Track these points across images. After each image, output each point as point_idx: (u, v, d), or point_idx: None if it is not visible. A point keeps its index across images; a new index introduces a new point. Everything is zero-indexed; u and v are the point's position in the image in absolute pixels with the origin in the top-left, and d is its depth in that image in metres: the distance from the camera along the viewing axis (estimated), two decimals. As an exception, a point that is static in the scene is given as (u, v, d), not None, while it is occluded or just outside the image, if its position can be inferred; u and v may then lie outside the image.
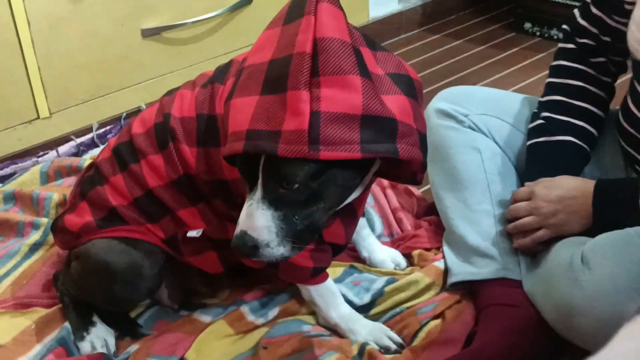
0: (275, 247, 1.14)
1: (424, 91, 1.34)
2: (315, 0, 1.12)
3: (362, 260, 1.69)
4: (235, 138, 1.14)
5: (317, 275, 1.44)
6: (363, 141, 1.09)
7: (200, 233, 1.43)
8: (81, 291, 1.53)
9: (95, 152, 2.30)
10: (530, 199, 1.44)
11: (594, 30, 1.53)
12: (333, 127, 1.07)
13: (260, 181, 1.13)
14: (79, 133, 2.36)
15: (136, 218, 1.45)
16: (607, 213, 1.35)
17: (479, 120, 1.61)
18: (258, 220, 1.13)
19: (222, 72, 1.40)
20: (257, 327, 1.52)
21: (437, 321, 1.47)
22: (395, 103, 1.15)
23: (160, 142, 1.41)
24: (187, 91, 1.44)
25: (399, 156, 1.13)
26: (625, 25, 1.37)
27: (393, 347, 1.43)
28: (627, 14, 1.37)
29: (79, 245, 1.49)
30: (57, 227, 1.54)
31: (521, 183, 1.56)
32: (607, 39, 1.52)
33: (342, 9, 1.16)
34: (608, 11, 1.49)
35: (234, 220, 1.38)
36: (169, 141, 1.40)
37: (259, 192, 1.14)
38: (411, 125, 1.16)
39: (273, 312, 1.55)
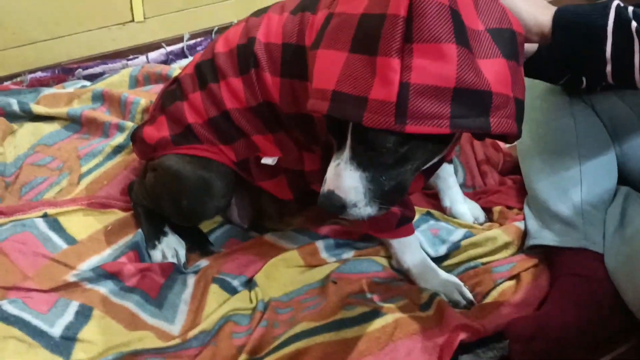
0: (362, 207, 1.12)
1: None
2: None
3: (441, 209, 1.66)
4: (320, 96, 1.10)
5: (403, 224, 1.42)
6: (453, 116, 1.03)
7: (275, 161, 1.42)
8: (152, 202, 1.56)
9: (184, 62, 2.30)
10: None
11: None
12: (422, 101, 1.02)
13: (348, 143, 1.10)
14: (170, 41, 2.36)
15: (210, 138, 1.44)
16: (568, 41, 1.18)
17: None
18: (346, 180, 1.11)
19: (314, 0, 1.34)
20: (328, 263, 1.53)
21: (512, 282, 1.44)
22: (492, 69, 1.07)
23: (242, 65, 1.39)
24: (275, 15, 1.39)
25: (490, 132, 1.07)
26: None
27: (463, 302, 1.41)
28: None
29: (155, 158, 1.50)
30: (136, 137, 1.56)
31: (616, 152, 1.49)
32: None
33: None
34: None
35: (312, 151, 1.37)
36: (251, 67, 1.37)
37: (347, 153, 1.11)
38: (508, 95, 1.08)
39: (347, 254, 1.55)
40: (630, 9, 1.13)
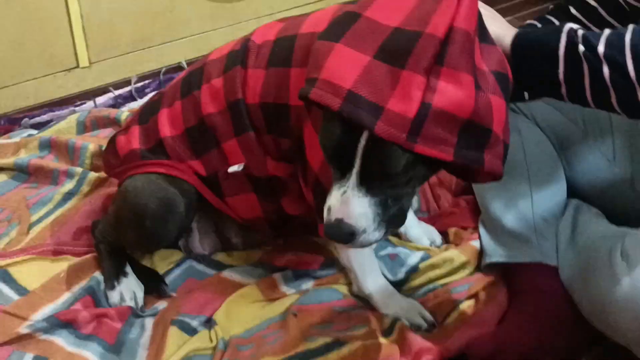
0: (371, 232, 1.11)
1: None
2: None
3: (397, 235, 1.66)
4: (330, 89, 1.06)
5: None
6: (458, 145, 1.04)
7: (241, 167, 1.41)
8: (115, 230, 1.54)
9: (133, 105, 2.28)
10: None
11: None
12: (437, 125, 1.02)
13: (357, 168, 1.09)
14: (118, 85, 2.35)
15: (180, 153, 1.44)
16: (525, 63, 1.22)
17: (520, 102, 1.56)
18: (355, 207, 1.09)
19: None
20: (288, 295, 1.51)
21: (471, 302, 1.44)
22: (495, 108, 1.09)
23: (228, 65, 1.39)
24: (279, 22, 1.40)
25: (483, 167, 1.08)
26: None
27: (424, 325, 1.41)
28: None
29: (118, 175, 1.50)
30: (109, 145, 1.56)
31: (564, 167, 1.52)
32: None
33: None
34: None
35: (277, 159, 1.38)
36: (237, 64, 1.37)
37: (354, 179, 1.09)
38: (500, 135, 1.10)
39: (307, 284, 1.54)
40: (580, 32, 1.17)
